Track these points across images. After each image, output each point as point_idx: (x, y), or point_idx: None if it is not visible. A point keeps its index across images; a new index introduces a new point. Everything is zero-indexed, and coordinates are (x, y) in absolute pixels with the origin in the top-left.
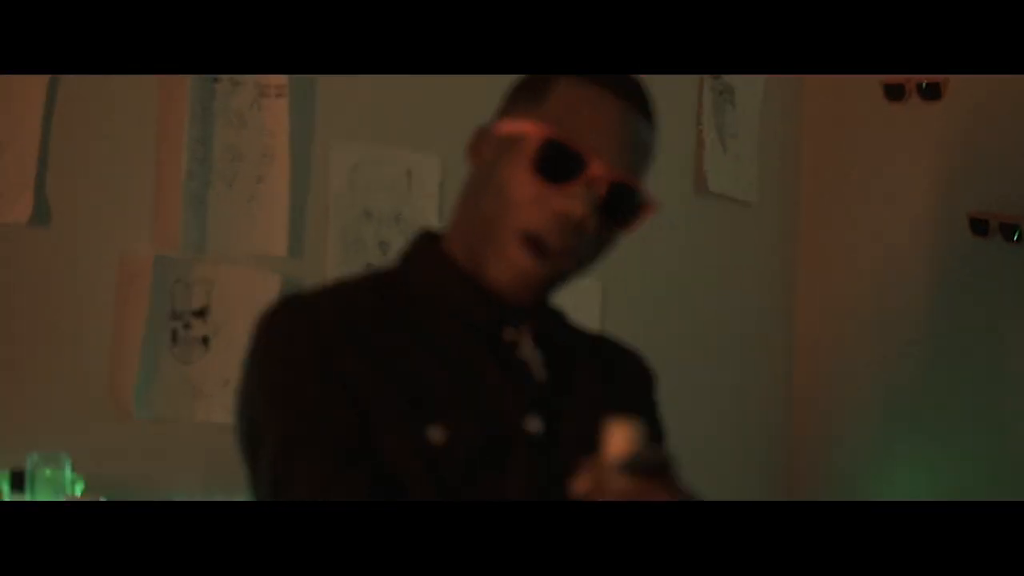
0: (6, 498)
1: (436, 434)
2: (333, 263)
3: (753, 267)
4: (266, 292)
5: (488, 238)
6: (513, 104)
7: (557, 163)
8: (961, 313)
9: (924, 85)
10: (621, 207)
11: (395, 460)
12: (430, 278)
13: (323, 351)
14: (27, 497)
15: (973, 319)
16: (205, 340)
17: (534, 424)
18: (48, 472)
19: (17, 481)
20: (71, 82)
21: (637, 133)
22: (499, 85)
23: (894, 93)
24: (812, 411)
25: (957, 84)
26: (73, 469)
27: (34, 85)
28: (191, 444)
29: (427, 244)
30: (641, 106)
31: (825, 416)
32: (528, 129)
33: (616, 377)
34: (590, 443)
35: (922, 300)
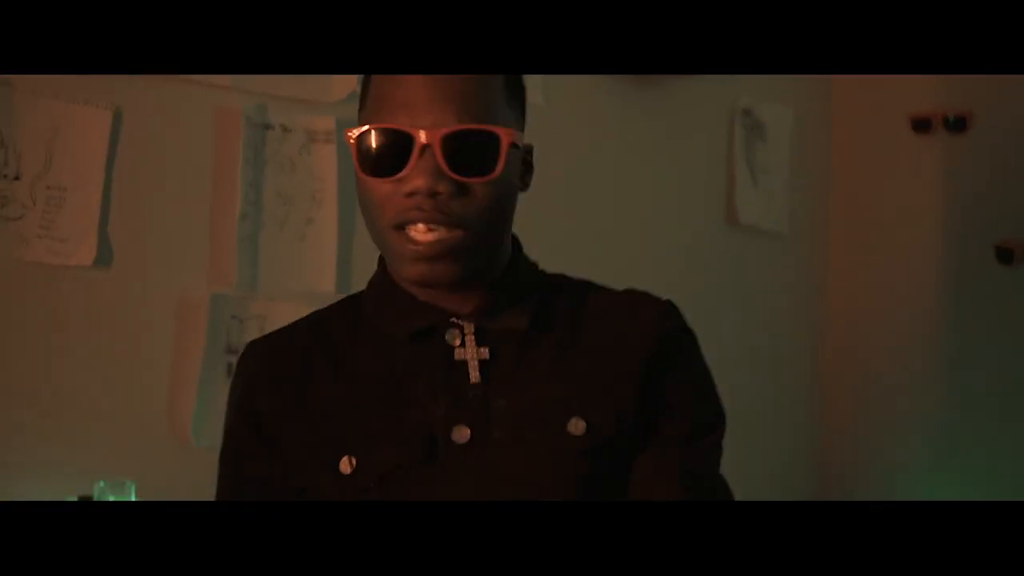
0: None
1: (344, 464)
2: None
3: (783, 297)
4: None
5: (383, 247)
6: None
7: (383, 152)
8: (987, 341)
9: (951, 118)
10: (471, 156)
11: (310, 492)
12: (373, 298)
13: (247, 389)
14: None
15: (999, 346)
16: None
17: (459, 433)
18: (113, 498)
19: None
20: (131, 131)
21: (457, 79)
22: (533, 118)
23: (921, 126)
24: (842, 438)
25: (983, 117)
26: (137, 495)
27: (98, 133)
28: None
29: (379, 264)
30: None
31: (855, 443)
32: (349, 137)
33: (605, 340)
34: (522, 442)
35: (949, 328)
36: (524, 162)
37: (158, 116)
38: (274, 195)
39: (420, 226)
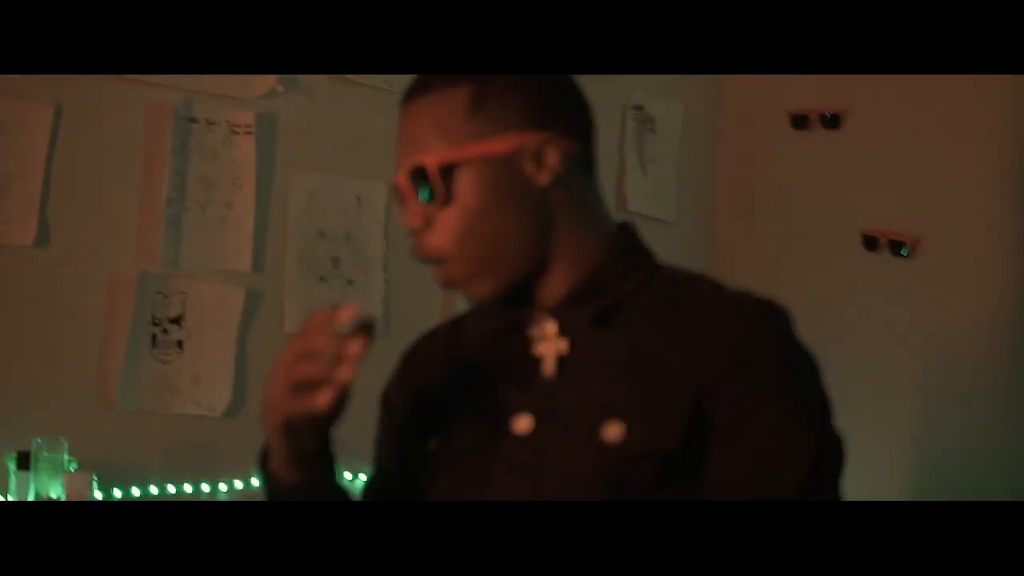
0: (12, 475)
1: (433, 442)
2: (291, 276)
3: None
4: (232, 302)
5: None
6: None
7: (399, 202)
8: (852, 321)
9: (827, 115)
10: (423, 188)
11: (413, 462)
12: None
13: (391, 377)
14: (31, 475)
15: (862, 327)
16: (180, 343)
17: (523, 423)
18: (48, 454)
19: (23, 461)
20: (70, 124)
21: (416, 119)
22: None
23: (800, 122)
24: None
25: (855, 115)
26: (69, 452)
27: (40, 122)
28: (166, 432)
29: None
30: (417, 96)
31: None
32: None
33: (684, 341)
34: (577, 440)
35: (822, 309)
36: (536, 158)
37: (95, 111)
38: (197, 182)
39: (425, 258)
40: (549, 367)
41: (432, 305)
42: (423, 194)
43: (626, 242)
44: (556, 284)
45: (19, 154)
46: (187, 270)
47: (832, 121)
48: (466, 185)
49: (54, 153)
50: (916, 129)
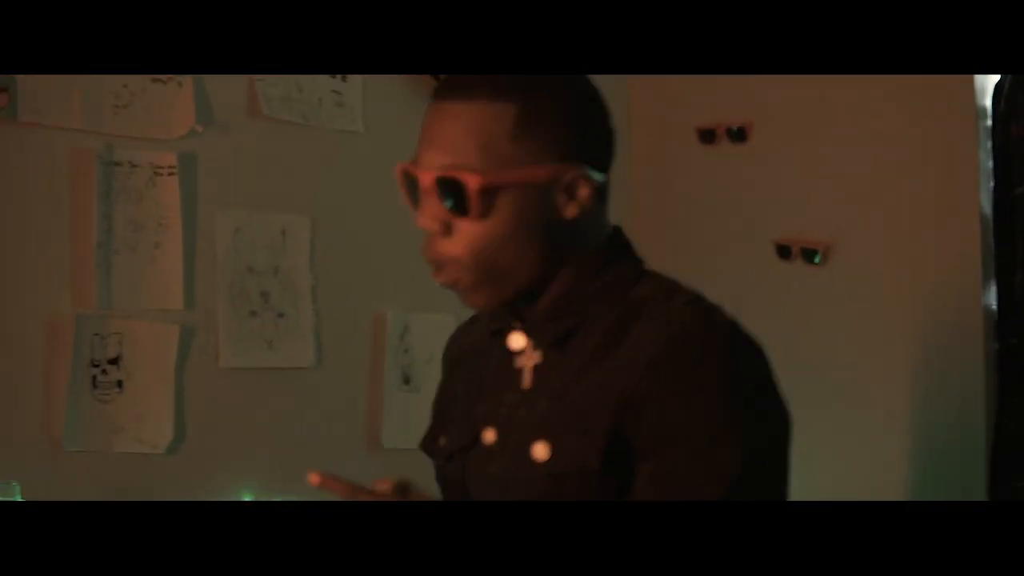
0: None
1: (441, 440)
2: (223, 312)
3: None
4: (167, 340)
5: None
6: None
7: (409, 190)
8: (764, 329)
9: (734, 129)
10: (452, 198)
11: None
12: None
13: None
14: None
15: (774, 335)
16: (119, 383)
17: (489, 435)
18: (1, 498)
19: None
20: None
21: (455, 120)
22: (355, 144)
23: (707, 137)
24: None
25: (760, 127)
26: (21, 495)
27: None
28: (111, 471)
29: None
30: (456, 98)
31: None
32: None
33: (626, 349)
34: (513, 458)
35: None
36: (567, 191)
37: (20, 157)
38: (125, 223)
39: (434, 264)
40: (527, 379)
41: (362, 335)
42: (450, 203)
43: (605, 260)
44: (544, 297)
45: None
46: (121, 310)
47: (739, 135)
48: (500, 206)
49: None
50: (822, 137)
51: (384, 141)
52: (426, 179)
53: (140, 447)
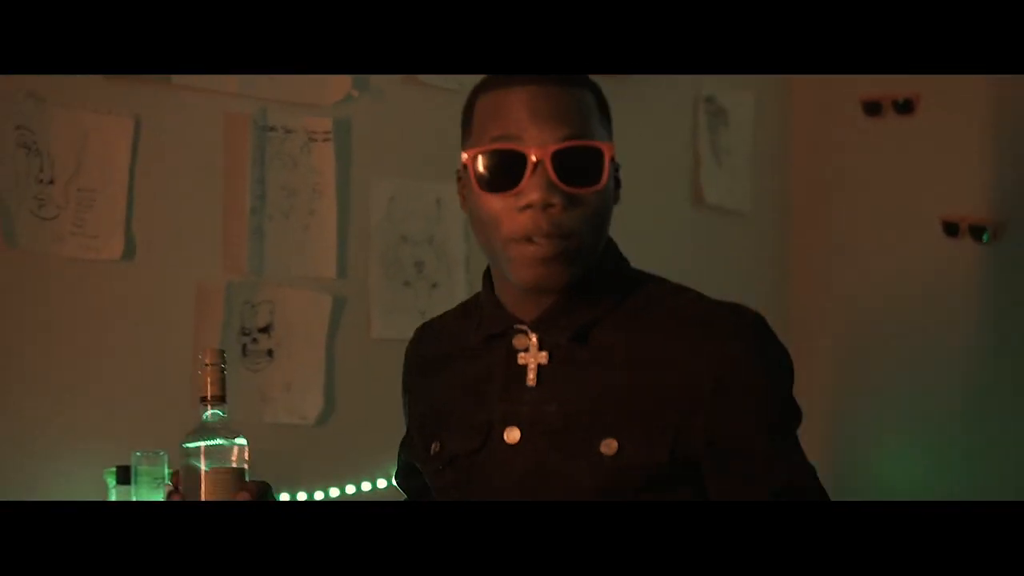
0: (112, 490)
1: (434, 447)
2: (376, 281)
3: (748, 273)
4: (320, 309)
5: (496, 257)
6: (462, 141)
7: (497, 170)
8: (937, 311)
9: (900, 101)
10: (578, 169)
11: (420, 467)
12: (472, 307)
13: (404, 364)
14: (131, 489)
15: (951, 316)
16: (270, 352)
17: (513, 434)
18: (148, 467)
19: (123, 476)
20: (150, 136)
21: (558, 99)
22: None
23: (872, 109)
24: (807, 414)
25: (928, 99)
26: (168, 465)
27: (121, 140)
28: (260, 442)
29: (487, 271)
30: (543, 81)
31: (823, 417)
32: (464, 159)
33: (667, 354)
34: (575, 454)
35: (902, 298)
36: (614, 177)
37: (174, 122)
38: (278, 189)
39: (536, 237)
40: (531, 378)
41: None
42: (577, 174)
43: (603, 255)
44: (550, 295)
45: (102, 168)
46: (273, 278)
47: (905, 107)
48: (611, 178)
49: (136, 166)
50: (991, 110)
51: None
52: (543, 152)
53: (289, 417)
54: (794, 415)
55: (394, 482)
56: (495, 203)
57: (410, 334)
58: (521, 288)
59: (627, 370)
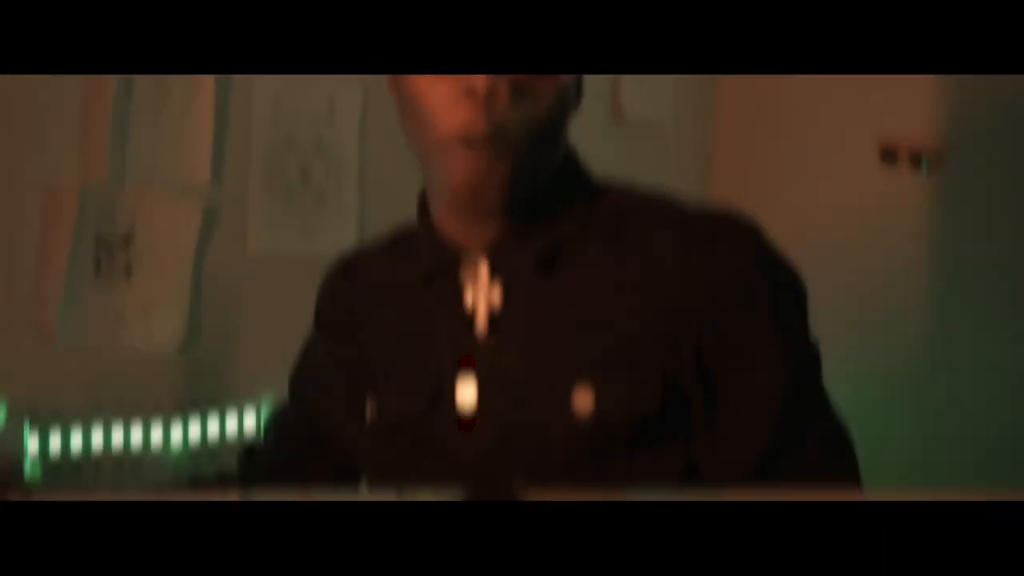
0: None
1: (369, 408)
2: (255, 191)
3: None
4: (189, 220)
5: (430, 176)
6: None
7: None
8: (867, 238)
9: None
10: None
11: (342, 431)
12: (415, 235)
13: (317, 325)
14: None
15: (880, 245)
16: (128, 268)
17: (465, 393)
18: None
19: None
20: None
21: None
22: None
23: None
24: None
25: None
26: (6, 412)
27: None
28: (112, 369)
29: (421, 195)
30: None
31: None
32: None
33: (651, 278)
34: (540, 413)
35: (832, 221)
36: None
37: None
38: (147, 81)
39: (476, 138)
40: (484, 322)
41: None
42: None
43: (562, 166)
44: (499, 219)
45: None
46: (137, 181)
47: None
48: (571, 79)
49: None
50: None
51: None
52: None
53: (148, 344)
54: (808, 353)
55: (262, 441)
56: (434, 91)
57: (290, 251)
58: (462, 209)
59: (601, 303)
